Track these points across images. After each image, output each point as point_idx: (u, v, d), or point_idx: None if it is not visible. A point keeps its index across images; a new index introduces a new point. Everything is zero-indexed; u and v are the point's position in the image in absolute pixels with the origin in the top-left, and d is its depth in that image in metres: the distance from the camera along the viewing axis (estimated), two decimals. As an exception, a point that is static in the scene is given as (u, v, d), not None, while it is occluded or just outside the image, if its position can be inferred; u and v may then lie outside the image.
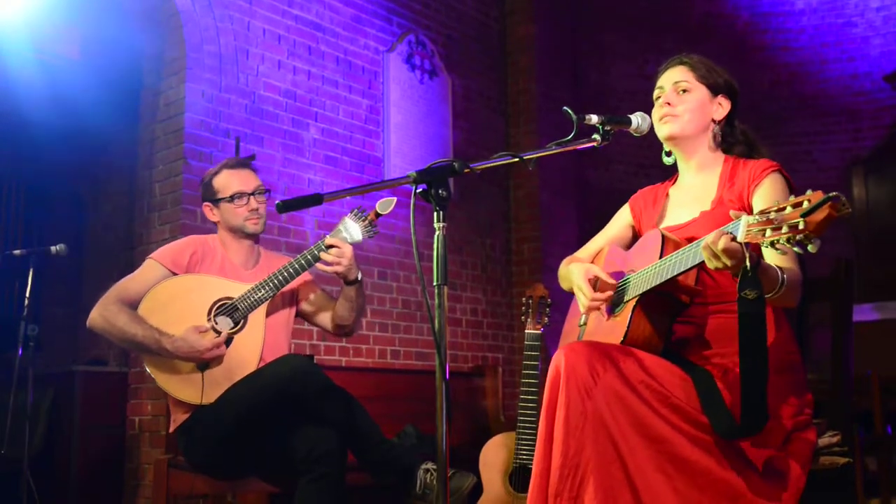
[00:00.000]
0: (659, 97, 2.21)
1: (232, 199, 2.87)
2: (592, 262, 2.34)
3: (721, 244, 1.66)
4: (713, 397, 1.83)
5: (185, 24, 4.52)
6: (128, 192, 5.26)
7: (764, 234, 1.55)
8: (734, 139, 2.23)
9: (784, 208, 1.53)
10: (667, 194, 2.30)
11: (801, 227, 1.48)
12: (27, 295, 4.02)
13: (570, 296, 2.34)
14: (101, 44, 5.40)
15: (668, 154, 2.27)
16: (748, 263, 1.66)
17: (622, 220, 2.40)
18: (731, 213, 1.69)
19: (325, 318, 2.97)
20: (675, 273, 1.85)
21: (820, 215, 1.47)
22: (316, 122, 5.07)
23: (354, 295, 2.85)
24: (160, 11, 4.60)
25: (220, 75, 4.62)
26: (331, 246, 2.71)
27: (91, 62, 5.48)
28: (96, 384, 4.89)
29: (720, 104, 2.20)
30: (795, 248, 1.51)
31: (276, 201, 1.74)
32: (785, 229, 1.51)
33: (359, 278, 2.83)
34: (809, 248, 1.50)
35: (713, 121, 2.20)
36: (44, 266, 4.64)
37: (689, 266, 1.81)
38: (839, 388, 2.30)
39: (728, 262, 1.68)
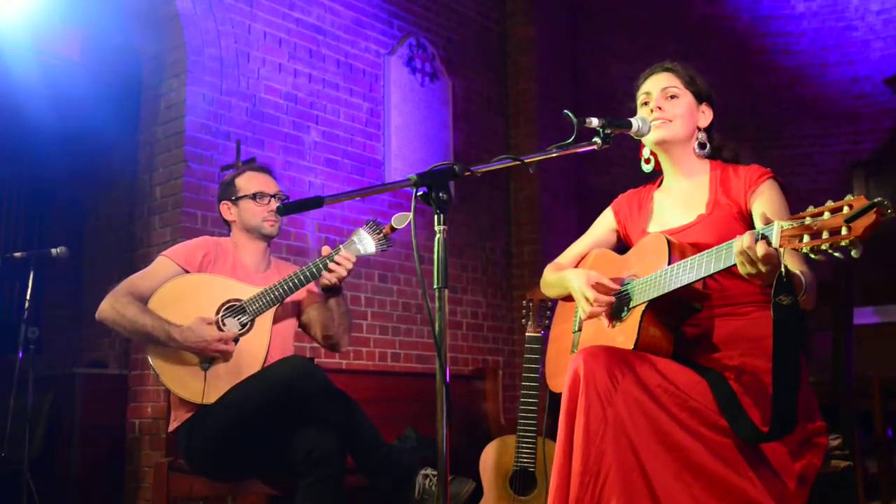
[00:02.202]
0: (646, 102, 2.21)
1: (254, 196, 2.89)
2: (577, 266, 2.32)
3: (760, 250, 1.65)
4: (732, 402, 1.83)
5: (185, 26, 4.53)
6: (128, 194, 5.26)
7: (801, 240, 1.55)
8: (718, 146, 2.23)
9: (821, 213, 1.53)
10: (652, 197, 2.29)
11: (844, 232, 1.48)
12: (27, 297, 4.02)
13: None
14: (101, 45, 5.40)
15: (647, 161, 2.27)
16: (783, 269, 1.65)
17: (605, 224, 2.38)
18: (760, 217, 1.68)
19: (317, 329, 2.98)
20: (696, 278, 1.84)
21: (867, 221, 1.46)
22: (317, 124, 5.08)
23: (335, 305, 2.86)
24: (161, 14, 4.60)
25: (220, 78, 4.62)
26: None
27: (91, 64, 5.49)
28: (96, 386, 4.89)
29: (703, 112, 2.21)
30: (837, 254, 1.51)
31: (277, 204, 1.74)
32: (826, 235, 1.50)
33: (339, 290, 2.84)
34: (853, 253, 1.49)
35: (698, 128, 2.20)
36: (44, 268, 4.64)
37: (711, 272, 1.80)
38: (840, 391, 2.30)
39: (763, 269, 1.67)
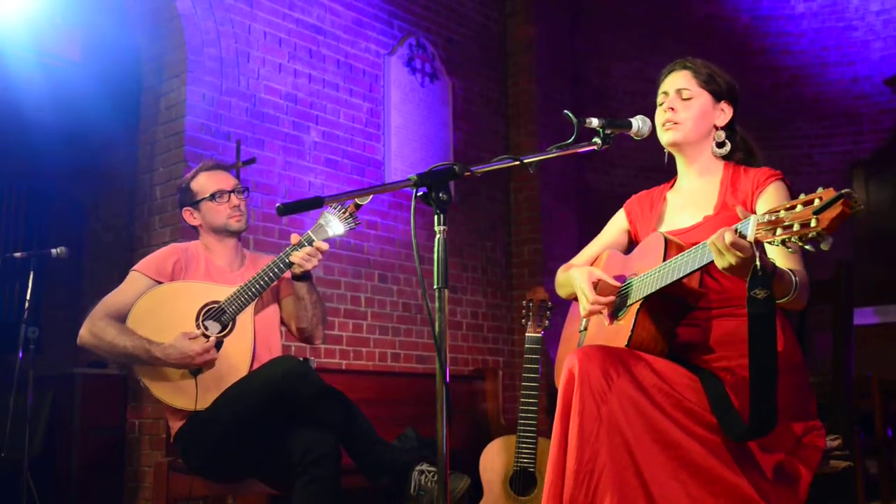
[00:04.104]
0: (662, 102, 2.20)
1: (213, 197, 2.87)
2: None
3: (728, 238, 1.66)
4: (723, 401, 1.83)
5: (185, 26, 4.53)
6: (128, 194, 5.26)
7: (774, 233, 1.54)
8: (735, 145, 2.22)
9: (794, 206, 1.52)
10: (664, 198, 2.29)
11: (813, 224, 1.47)
12: (27, 297, 4.02)
13: (570, 301, 2.34)
14: (102, 46, 5.40)
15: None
16: (758, 263, 1.65)
17: (617, 225, 2.39)
18: (738, 210, 1.68)
19: (292, 322, 2.96)
20: (682, 275, 1.84)
21: (833, 212, 1.45)
22: (317, 125, 5.08)
23: (305, 292, 2.84)
24: (161, 14, 4.60)
25: (220, 78, 4.63)
26: (311, 242, 2.72)
27: (92, 64, 5.49)
28: (96, 386, 4.89)
29: (723, 110, 2.19)
30: (808, 247, 1.49)
31: (277, 204, 1.74)
32: (796, 227, 1.49)
33: (309, 275, 2.83)
34: (822, 245, 1.48)
35: (715, 127, 2.19)
36: (44, 268, 4.64)
37: (695, 267, 1.80)
38: (840, 391, 2.30)
39: (733, 261, 1.67)
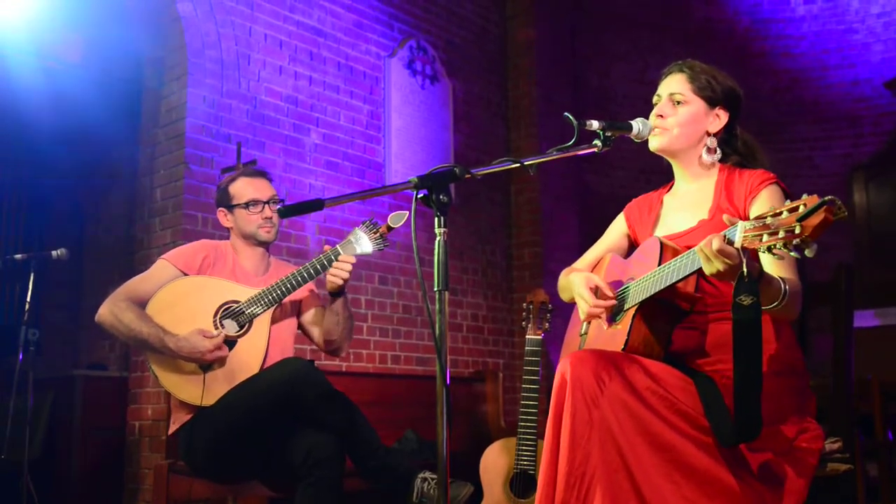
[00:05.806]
0: (656, 104, 2.19)
1: (247, 205, 2.90)
2: (592, 271, 2.33)
3: (715, 245, 1.66)
4: (716, 404, 1.83)
5: (186, 29, 4.53)
6: (128, 196, 5.27)
7: (761, 239, 1.54)
8: (732, 150, 2.20)
9: (780, 213, 1.53)
10: (661, 201, 2.29)
11: (797, 231, 1.47)
12: (28, 299, 4.02)
13: (570, 304, 2.34)
14: (102, 48, 5.41)
15: None
16: (745, 269, 1.65)
17: (617, 229, 2.39)
18: (725, 218, 1.68)
19: (318, 332, 2.99)
20: (674, 280, 1.84)
21: (815, 219, 1.46)
22: (317, 127, 5.08)
23: (340, 308, 2.88)
24: (162, 16, 4.60)
25: (221, 80, 4.63)
26: (337, 256, 2.76)
27: (93, 66, 5.49)
28: (96, 388, 4.89)
29: (717, 116, 2.15)
30: (793, 254, 1.50)
31: (278, 206, 1.74)
32: (782, 234, 1.50)
33: (344, 291, 2.87)
34: (807, 252, 1.48)
35: (707, 133, 2.16)
36: (44, 270, 4.64)
37: (687, 273, 1.81)
38: (840, 393, 2.30)
39: (721, 267, 1.68)
